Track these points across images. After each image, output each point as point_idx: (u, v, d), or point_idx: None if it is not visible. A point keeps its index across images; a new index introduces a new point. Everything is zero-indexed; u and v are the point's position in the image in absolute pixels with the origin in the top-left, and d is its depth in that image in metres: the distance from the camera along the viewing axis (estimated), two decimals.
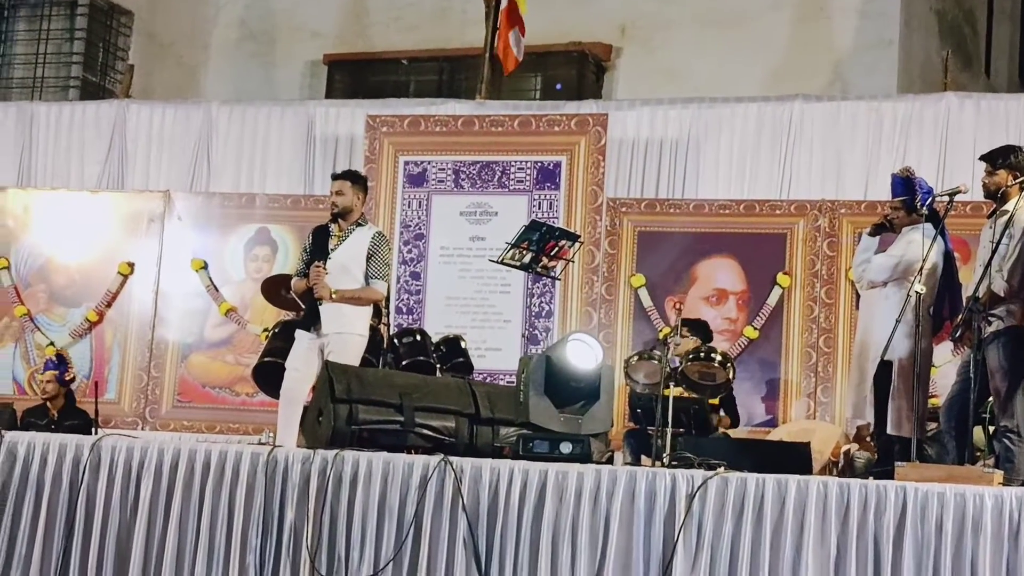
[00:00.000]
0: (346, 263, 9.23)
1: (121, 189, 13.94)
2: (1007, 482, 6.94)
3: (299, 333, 9.26)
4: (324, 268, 9.13)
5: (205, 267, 13.01)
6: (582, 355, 7.66)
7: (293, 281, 9.52)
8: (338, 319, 9.13)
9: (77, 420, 11.58)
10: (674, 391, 9.13)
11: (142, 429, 12.46)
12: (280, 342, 9.78)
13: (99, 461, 7.71)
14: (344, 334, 9.11)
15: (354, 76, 17.78)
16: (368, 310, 9.43)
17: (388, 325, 10.67)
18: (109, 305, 13.09)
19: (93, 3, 16.83)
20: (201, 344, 13.01)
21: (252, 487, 7.39)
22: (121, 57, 17.05)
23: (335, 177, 9.58)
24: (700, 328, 10.86)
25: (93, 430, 10.83)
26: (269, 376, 9.89)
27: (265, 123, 14.05)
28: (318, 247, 9.32)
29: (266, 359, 10.07)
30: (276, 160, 13.92)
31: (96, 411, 11.33)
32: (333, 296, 9.10)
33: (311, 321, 9.18)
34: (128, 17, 17.26)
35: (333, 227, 9.39)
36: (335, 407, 7.81)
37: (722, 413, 10.92)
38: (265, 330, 11.89)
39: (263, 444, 7.97)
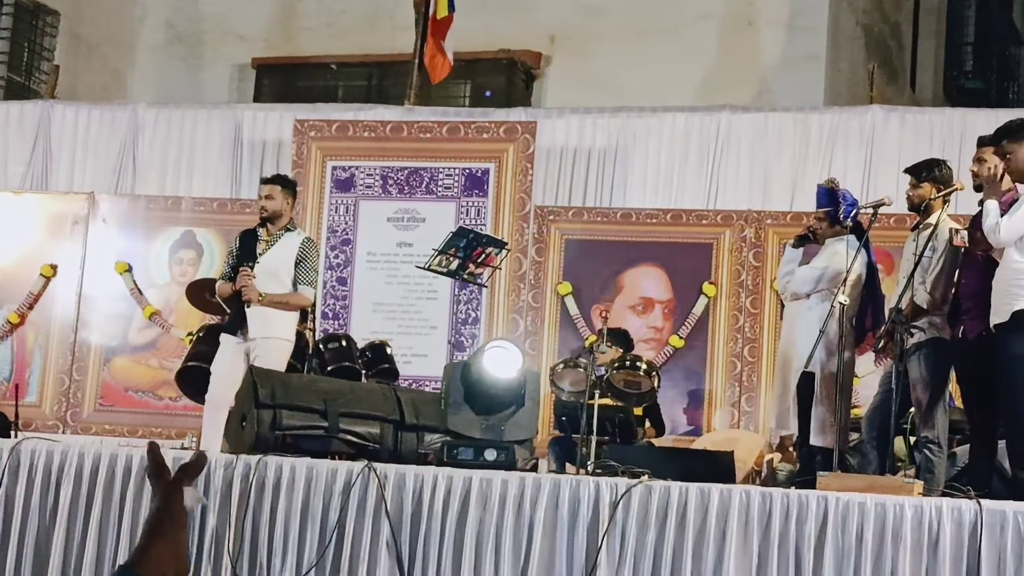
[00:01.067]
0: (275, 268, 9.20)
1: (45, 190, 13.80)
2: (927, 492, 7.00)
3: (224, 337, 9.21)
4: (252, 272, 9.09)
5: (129, 270, 12.90)
6: (501, 363, 7.64)
7: (218, 285, 9.46)
8: (264, 324, 9.09)
9: None
10: (599, 399, 9.14)
11: (63, 433, 12.32)
12: (204, 346, 9.72)
13: (18, 464, 7.62)
14: (270, 339, 9.08)
15: (282, 80, 17.70)
16: (294, 315, 9.40)
17: (314, 330, 10.64)
18: (31, 307, 12.95)
19: (18, 2, 16.66)
20: (124, 347, 12.90)
21: None
22: (46, 57, 16.89)
23: (265, 181, 9.54)
24: (620, 337, 10.88)
25: (13, 433, 10.69)
26: (193, 380, 9.83)
27: (192, 126, 13.96)
28: (245, 251, 9.28)
29: (190, 363, 10.01)
30: (203, 163, 13.83)
31: (16, 414, 11.19)
32: (261, 299, 9.06)
33: (237, 325, 9.14)
34: (54, 17, 17.09)
35: (261, 231, 9.34)
36: (259, 412, 7.76)
37: (647, 423, 10.94)
38: (189, 334, 11.79)
39: (186, 449, 7.91)
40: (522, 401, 7.68)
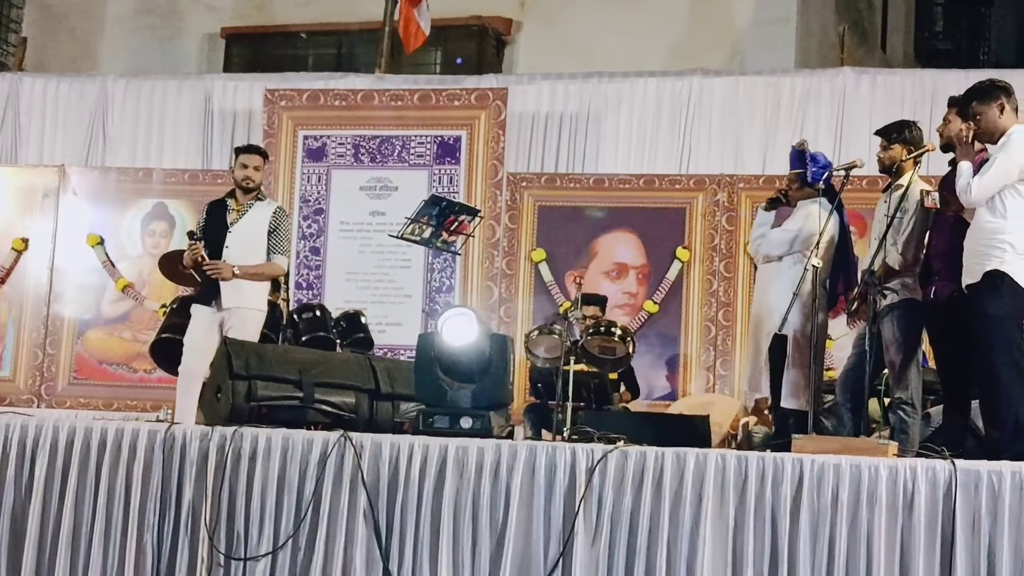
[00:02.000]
0: (248, 237, 9.16)
1: (15, 163, 13.74)
2: (901, 453, 7.02)
3: (196, 308, 9.17)
4: (199, 245, 9.04)
5: (101, 242, 12.87)
6: (459, 330, 7.61)
7: (186, 255, 9.36)
8: (237, 294, 9.07)
9: None
10: (574, 366, 9.15)
11: (37, 406, 12.31)
12: (178, 318, 9.69)
13: None
14: (243, 309, 9.05)
15: (252, 50, 17.62)
16: (266, 285, 9.38)
17: (288, 300, 10.61)
18: (3, 281, 12.91)
19: None
20: (98, 320, 12.87)
21: (149, 464, 7.31)
22: (14, 30, 16.79)
23: (248, 151, 9.45)
24: (597, 300, 10.98)
25: None
26: (167, 352, 9.80)
27: (162, 97, 13.91)
28: (214, 221, 9.24)
29: (164, 335, 9.99)
30: (173, 134, 13.79)
31: None
32: (236, 273, 9.03)
33: (210, 296, 9.10)
34: None
35: (230, 201, 9.30)
36: (234, 383, 7.75)
37: (623, 388, 10.97)
38: (163, 306, 11.78)
39: (161, 421, 7.89)
40: (489, 368, 7.66)
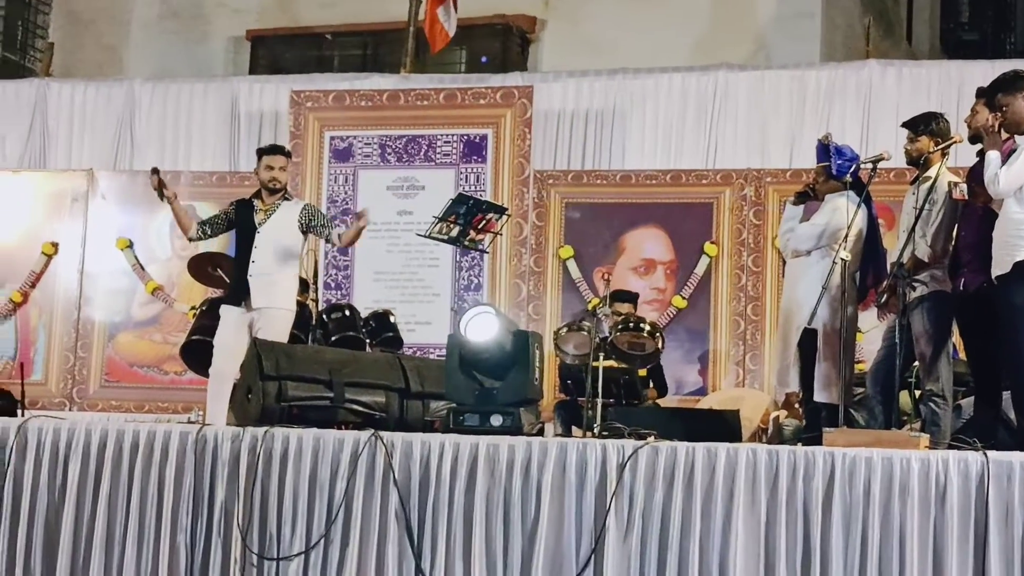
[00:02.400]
0: (276, 237, 9.19)
1: (44, 168, 13.80)
2: (933, 445, 7.00)
3: (225, 309, 9.19)
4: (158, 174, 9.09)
5: (131, 246, 12.92)
6: (481, 328, 7.62)
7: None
8: (267, 294, 9.10)
9: (3, 402, 11.45)
10: (604, 362, 9.15)
11: (69, 410, 12.37)
12: (208, 320, 9.73)
13: (26, 443, 7.63)
14: (272, 309, 9.08)
15: (277, 52, 17.67)
16: (295, 285, 9.41)
17: (316, 301, 10.64)
18: (33, 286, 12.98)
19: None
20: (128, 323, 12.93)
21: (182, 466, 7.34)
22: (41, 35, 16.87)
23: (274, 152, 9.49)
24: (627, 296, 11.00)
25: (19, 412, 10.71)
26: (197, 354, 9.84)
27: (188, 100, 13.96)
28: (242, 222, 9.26)
29: (194, 337, 10.03)
30: (200, 137, 13.84)
31: (22, 393, 11.21)
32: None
33: (240, 296, 9.12)
34: None
35: (257, 202, 9.33)
36: (264, 384, 7.77)
37: (651, 385, 10.97)
38: (192, 308, 11.82)
39: (192, 423, 7.92)
40: (513, 364, 7.66)
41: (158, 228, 12.96)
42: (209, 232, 9.43)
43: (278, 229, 9.23)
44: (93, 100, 14.11)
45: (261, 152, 9.50)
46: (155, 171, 9.13)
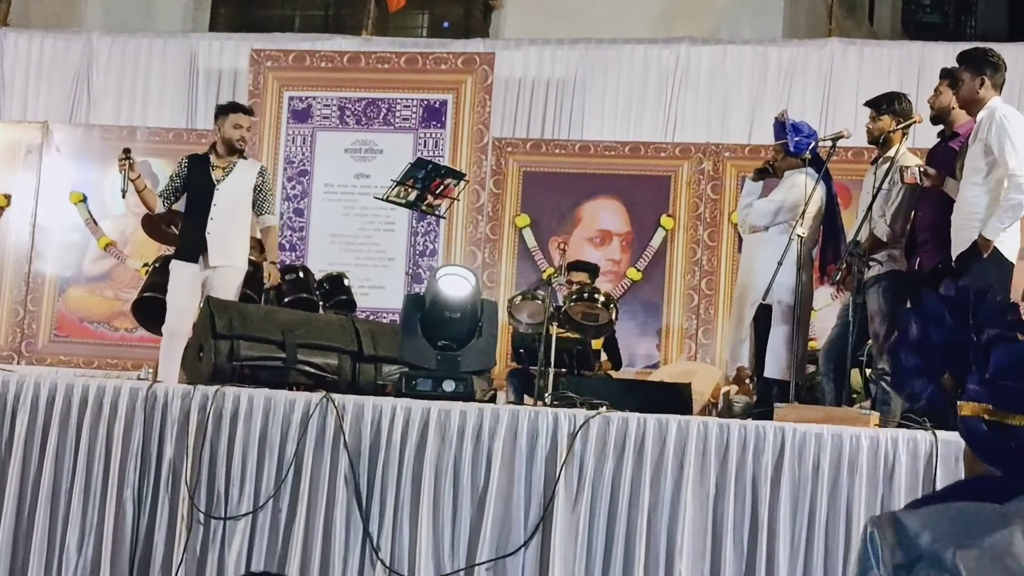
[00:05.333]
0: (236, 196, 9.13)
1: None
2: (883, 423, 7.05)
3: (178, 265, 9.08)
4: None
5: (84, 200, 12.82)
6: (454, 284, 7.60)
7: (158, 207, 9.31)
8: (225, 252, 9.04)
9: None
10: (557, 331, 9.14)
11: (18, 363, 12.27)
12: (160, 277, 9.64)
13: None
14: (228, 267, 9.03)
15: (238, 9, 17.52)
16: (248, 242, 9.36)
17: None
18: None
19: None
20: (79, 278, 12.83)
21: (131, 423, 7.29)
22: None
23: (242, 111, 9.41)
24: (588, 268, 11.02)
25: None
26: (149, 311, 9.76)
27: (147, 55, 13.84)
28: (199, 177, 9.16)
29: (146, 294, 9.94)
30: (158, 93, 13.72)
31: None
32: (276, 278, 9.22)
33: (197, 252, 9.02)
34: None
35: (213, 159, 9.24)
36: (216, 343, 7.73)
37: (604, 357, 10.97)
38: (145, 265, 11.72)
39: (142, 380, 7.87)
40: (478, 331, 7.66)
41: (112, 183, 12.80)
42: (174, 199, 9.32)
43: (237, 188, 9.17)
44: (50, 52, 13.96)
45: (229, 109, 9.38)
46: (127, 153, 8.98)
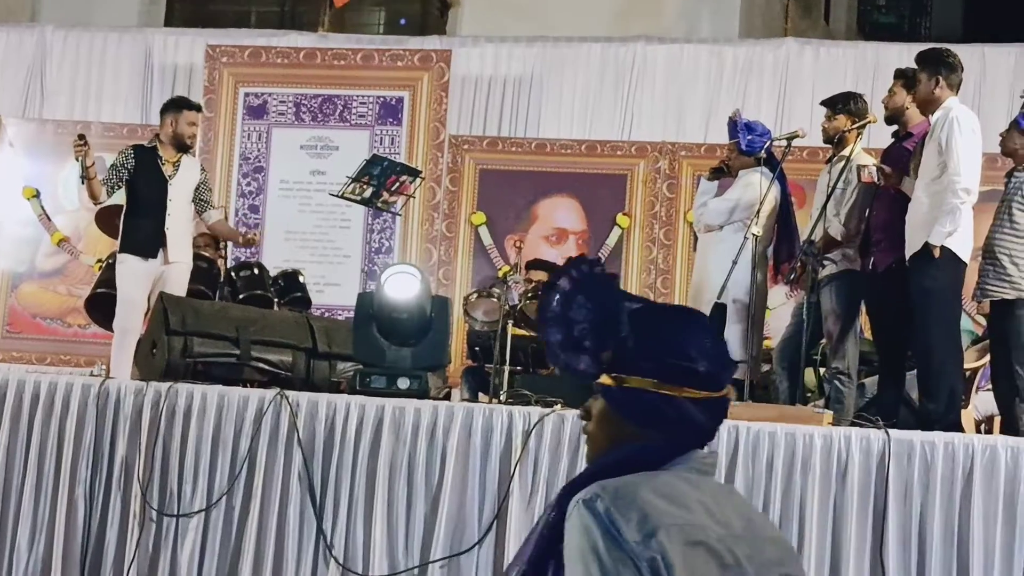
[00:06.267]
0: (186, 191, 9.13)
1: None
2: (836, 422, 7.08)
3: (131, 260, 9.00)
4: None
5: (37, 195, 12.72)
6: (401, 285, 7.58)
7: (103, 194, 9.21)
8: (181, 247, 9.04)
9: None
10: (512, 329, 9.14)
11: None
12: (114, 273, 9.59)
13: None
14: (182, 263, 9.01)
15: (194, 4, 17.43)
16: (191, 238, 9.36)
17: (225, 258, 10.53)
18: None
19: None
20: (32, 274, 12.73)
21: (83, 419, 7.25)
22: None
23: (195, 108, 9.36)
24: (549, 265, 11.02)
25: None
26: (102, 307, 9.70)
27: (101, 50, 13.74)
28: (151, 172, 9.07)
29: (99, 290, 9.88)
30: (112, 88, 13.63)
31: None
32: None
33: (155, 247, 8.94)
34: None
35: (162, 152, 9.17)
36: (169, 339, 7.70)
37: None
38: (99, 261, 11.65)
39: (95, 376, 7.82)
40: (429, 328, 7.64)
41: (66, 178, 12.75)
42: (118, 186, 9.23)
43: (186, 183, 9.14)
44: (3, 45, 13.84)
45: (183, 106, 9.32)
46: (83, 139, 8.90)
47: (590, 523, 2.58)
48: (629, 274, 11.99)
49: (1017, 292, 7.26)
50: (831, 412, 7.21)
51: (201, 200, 9.22)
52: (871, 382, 8.63)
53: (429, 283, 8.51)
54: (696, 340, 2.74)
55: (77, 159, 8.78)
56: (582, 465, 6.60)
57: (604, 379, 2.75)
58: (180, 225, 9.06)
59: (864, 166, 7.93)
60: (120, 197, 9.59)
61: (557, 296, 2.79)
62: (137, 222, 9.06)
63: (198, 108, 9.44)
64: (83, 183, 8.99)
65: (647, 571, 2.55)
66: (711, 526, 2.64)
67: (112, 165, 9.19)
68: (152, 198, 9.03)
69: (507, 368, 8.56)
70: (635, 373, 2.71)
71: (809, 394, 8.85)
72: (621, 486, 2.62)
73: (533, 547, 2.74)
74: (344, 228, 12.32)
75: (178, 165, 9.15)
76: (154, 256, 8.94)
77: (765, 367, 8.95)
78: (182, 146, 9.18)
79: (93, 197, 9.12)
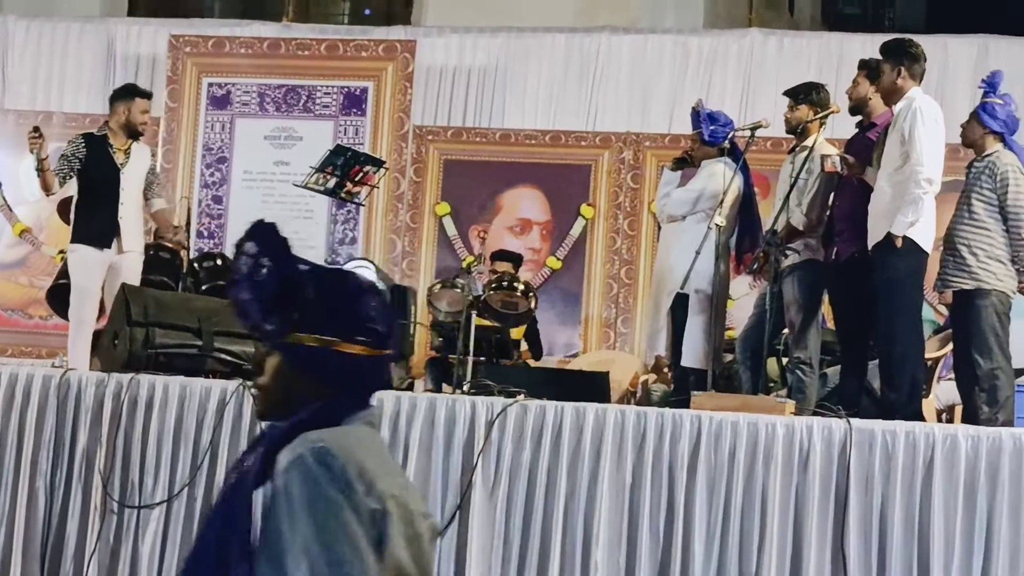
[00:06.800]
0: (138, 179, 9.09)
1: None
2: (799, 412, 7.10)
3: (85, 250, 8.89)
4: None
5: None
6: None
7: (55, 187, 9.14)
8: (135, 236, 8.99)
9: None
10: (476, 320, 9.13)
11: None
12: None
13: None
14: (135, 252, 8.97)
15: None
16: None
17: (188, 249, 10.49)
18: None
19: None
20: None
21: (43, 410, 7.22)
22: None
23: (147, 96, 9.33)
24: (511, 257, 11.03)
25: None
26: (64, 298, 9.64)
27: (64, 40, 13.66)
28: (103, 161, 9.01)
29: (61, 281, 9.82)
30: (75, 78, 13.54)
31: None
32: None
33: (109, 237, 8.89)
34: None
35: (112, 141, 9.11)
36: (131, 330, 7.66)
37: (524, 346, 10.98)
38: (60, 252, 11.58)
39: (56, 367, 7.78)
40: None
41: (27, 169, 12.57)
42: (70, 176, 9.15)
43: (138, 171, 9.10)
44: None
45: (134, 94, 9.28)
46: (38, 131, 8.84)
47: (319, 474, 2.68)
48: (593, 264, 12.00)
49: (976, 282, 7.28)
50: (793, 402, 7.23)
51: (149, 186, 9.19)
52: (833, 372, 8.66)
53: (386, 273, 8.50)
54: (371, 301, 2.90)
55: (32, 151, 8.73)
56: (545, 455, 6.61)
57: (290, 337, 2.86)
58: (133, 213, 9.02)
59: (827, 156, 7.96)
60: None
61: (244, 259, 2.97)
62: (90, 212, 8.98)
63: (149, 95, 9.40)
64: (38, 175, 8.93)
65: (367, 522, 2.67)
66: (397, 478, 2.81)
67: (63, 155, 9.11)
68: (105, 187, 8.97)
69: (471, 358, 8.55)
70: (318, 332, 2.84)
71: (772, 384, 8.87)
72: (336, 440, 2.73)
73: (229, 505, 2.86)
74: (308, 219, 12.27)
75: (129, 152, 9.10)
76: (108, 246, 8.88)
77: (728, 357, 8.97)
78: (134, 133, 9.13)
79: (46, 189, 9.05)
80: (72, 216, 9.13)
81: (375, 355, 2.87)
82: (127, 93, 9.31)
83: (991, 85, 7.59)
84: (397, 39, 12.74)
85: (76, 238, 9.01)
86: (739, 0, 15.75)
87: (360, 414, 2.86)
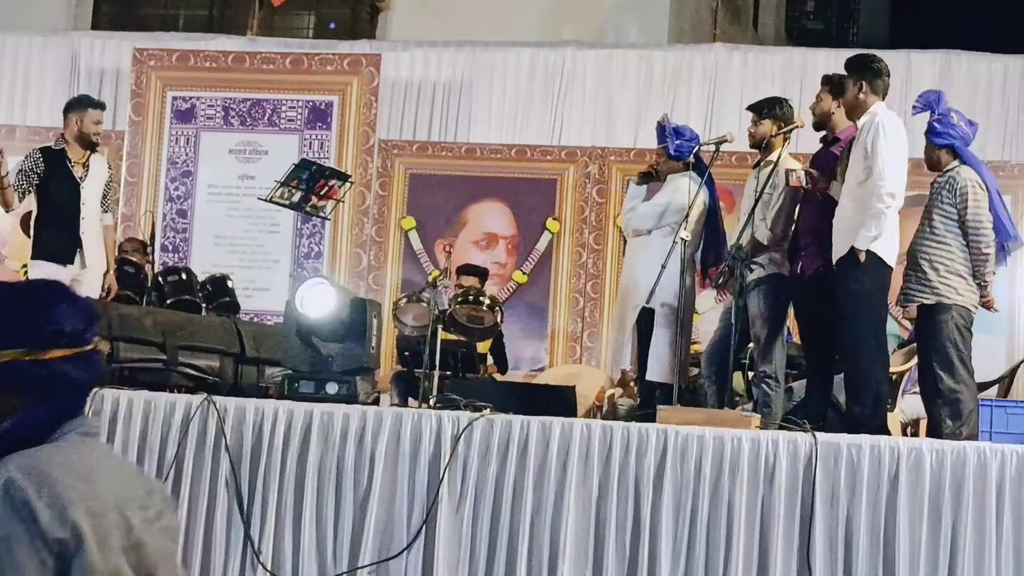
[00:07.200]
0: (96, 192, 9.09)
1: None
2: (764, 426, 7.12)
3: (47, 267, 8.78)
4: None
5: None
6: (318, 301, 7.54)
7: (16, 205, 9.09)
8: (97, 250, 8.97)
9: None
10: (442, 334, 9.12)
11: None
12: None
13: None
14: (97, 267, 8.94)
15: (121, 7, 17.31)
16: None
17: (153, 263, 10.46)
18: None
19: None
20: None
21: None
22: None
23: (101, 107, 9.30)
24: (476, 272, 11.03)
25: None
26: None
27: (27, 53, 13.63)
28: (61, 174, 8.96)
29: None
30: (38, 91, 13.51)
31: None
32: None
33: (71, 252, 8.85)
34: None
35: (70, 153, 9.06)
36: None
37: (490, 361, 10.97)
38: (24, 266, 11.53)
39: None
40: (350, 332, 7.60)
41: None
42: (29, 191, 9.08)
43: (96, 184, 9.08)
44: None
45: (87, 104, 9.24)
46: None
47: (4, 510, 2.59)
48: (559, 278, 12.01)
49: (937, 297, 7.31)
50: (759, 416, 7.24)
51: (104, 198, 9.15)
52: (799, 386, 8.69)
53: (343, 288, 8.48)
54: (54, 304, 2.84)
55: None
56: (512, 469, 6.61)
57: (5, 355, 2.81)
58: (94, 228, 9.00)
59: (792, 170, 7.98)
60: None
61: None
62: (51, 228, 8.92)
63: (102, 106, 9.37)
64: None
65: (55, 552, 2.58)
66: (110, 493, 2.71)
67: (20, 170, 9.05)
68: (65, 203, 8.92)
69: (437, 373, 8.54)
70: (4, 348, 2.78)
71: (737, 398, 8.89)
72: (33, 465, 2.65)
73: None
74: (273, 233, 12.26)
75: (88, 165, 9.07)
76: (71, 262, 8.83)
77: (693, 371, 8.98)
78: (89, 144, 9.09)
79: (5, 205, 8.98)
80: (32, 231, 9.08)
81: (71, 354, 2.81)
82: (80, 104, 9.29)
83: (926, 105, 7.63)
84: (362, 53, 12.74)
85: (37, 254, 8.95)
86: (703, 15, 15.85)
87: (70, 425, 2.79)
